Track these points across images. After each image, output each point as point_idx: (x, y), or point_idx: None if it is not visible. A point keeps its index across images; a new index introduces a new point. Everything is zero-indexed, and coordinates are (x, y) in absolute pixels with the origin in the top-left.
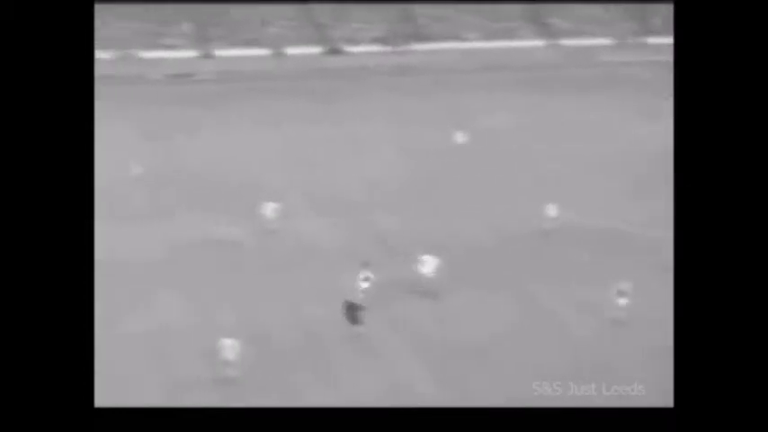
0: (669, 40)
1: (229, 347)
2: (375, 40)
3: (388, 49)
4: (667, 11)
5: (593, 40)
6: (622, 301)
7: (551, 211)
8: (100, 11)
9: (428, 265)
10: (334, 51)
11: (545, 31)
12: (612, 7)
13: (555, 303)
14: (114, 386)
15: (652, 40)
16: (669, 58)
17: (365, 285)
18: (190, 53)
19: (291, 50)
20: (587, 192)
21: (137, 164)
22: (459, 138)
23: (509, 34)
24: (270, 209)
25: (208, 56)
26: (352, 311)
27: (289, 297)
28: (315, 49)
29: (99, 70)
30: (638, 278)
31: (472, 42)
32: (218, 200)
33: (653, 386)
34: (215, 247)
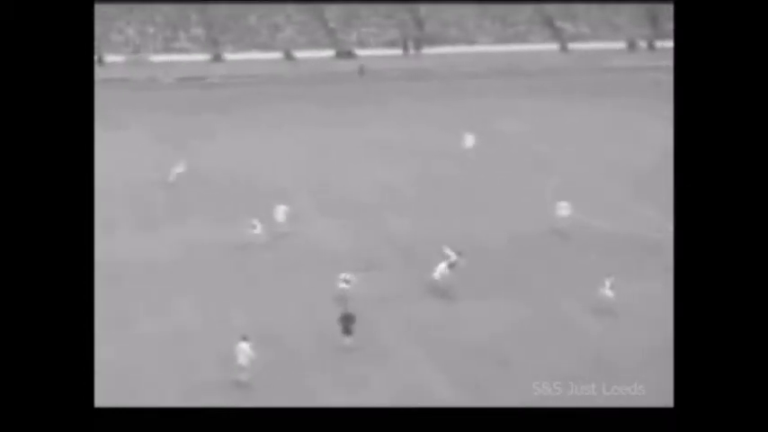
0: None
1: (244, 352)
2: (386, 44)
3: (400, 52)
4: None
5: (605, 43)
6: (616, 296)
7: (561, 213)
8: (112, 16)
9: (441, 268)
10: (346, 55)
11: (557, 35)
12: (624, 11)
13: (566, 304)
14: (125, 386)
15: (664, 44)
16: None
17: (344, 286)
18: (201, 56)
19: (303, 54)
20: (597, 194)
21: (179, 166)
22: (470, 141)
23: (521, 38)
24: (281, 212)
25: (219, 59)
26: (346, 323)
27: (300, 299)
28: (326, 53)
29: (111, 74)
30: (643, 279)
31: (484, 46)
32: (230, 203)
33: (653, 386)
34: (227, 250)
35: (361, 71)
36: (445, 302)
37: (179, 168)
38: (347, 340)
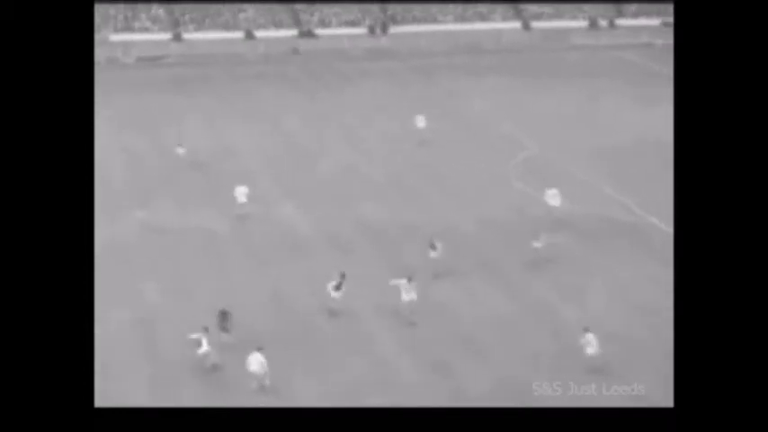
0: (644, 22)
1: (258, 361)
2: (348, 24)
3: (362, 32)
4: None
5: (566, 22)
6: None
7: (551, 202)
8: None
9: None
10: (308, 35)
11: (519, 13)
12: None
13: (543, 292)
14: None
15: (626, 22)
16: (645, 40)
17: (334, 295)
18: (162, 36)
19: (264, 34)
20: (567, 176)
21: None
22: (421, 122)
23: (482, 17)
24: (241, 193)
25: (179, 39)
26: (222, 320)
27: (271, 285)
28: (288, 33)
29: None
30: (628, 266)
31: (446, 25)
32: (194, 187)
33: (653, 386)
34: (192, 236)
35: (295, 51)
36: (418, 288)
37: (180, 149)
38: (224, 337)
